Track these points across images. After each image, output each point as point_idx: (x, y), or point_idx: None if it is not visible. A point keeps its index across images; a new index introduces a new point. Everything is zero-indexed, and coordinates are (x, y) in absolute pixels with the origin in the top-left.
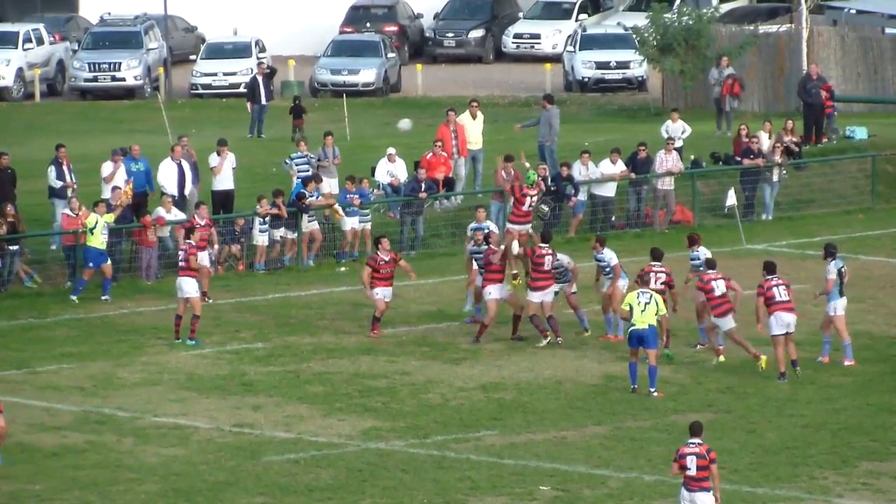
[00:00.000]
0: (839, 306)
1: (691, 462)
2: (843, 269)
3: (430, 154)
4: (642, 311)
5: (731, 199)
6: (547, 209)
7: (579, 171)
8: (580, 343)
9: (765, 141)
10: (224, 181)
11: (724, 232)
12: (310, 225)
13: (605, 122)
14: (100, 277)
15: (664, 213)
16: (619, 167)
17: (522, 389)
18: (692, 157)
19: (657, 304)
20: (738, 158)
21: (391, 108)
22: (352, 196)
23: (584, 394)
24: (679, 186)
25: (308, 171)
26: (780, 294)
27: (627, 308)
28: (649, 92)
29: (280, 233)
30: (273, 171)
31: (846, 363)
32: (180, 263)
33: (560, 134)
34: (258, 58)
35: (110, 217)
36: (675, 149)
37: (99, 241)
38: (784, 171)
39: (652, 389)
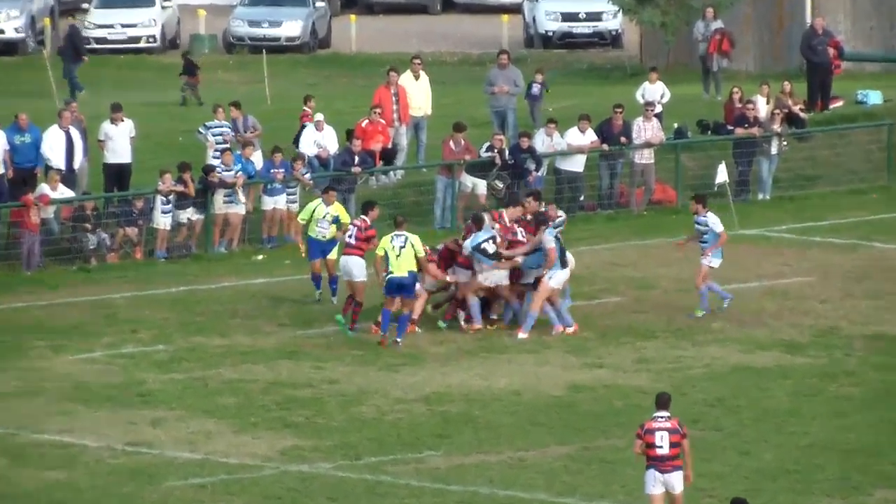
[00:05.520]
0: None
1: (662, 439)
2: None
3: (366, 121)
4: (398, 256)
5: (722, 175)
6: (502, 186)
7: (542, 141)
8: (541, 346)
9: (761, 106)
10: (119, 153)
11: (713, 213)
12: (226, 206)
13: (572, 85)
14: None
15: (642, 192)
16: (589, 137)
17: (473, 401)
18: (676, 125)
19: (414, 247)
20: (730, 127)
21: (319, 66)
22: (276, 171)
23: (547, 406)
24: (660, 160)
25: (226, 143)
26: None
27: (382, 254)
28: (625, 49)
29: (187, 214)
30: (179, 139)
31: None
32: (348, 240)
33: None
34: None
35: (339, 209)
36: (655, 115)
37: (315, 230)
38: (784, 143)
39: (398, 339)
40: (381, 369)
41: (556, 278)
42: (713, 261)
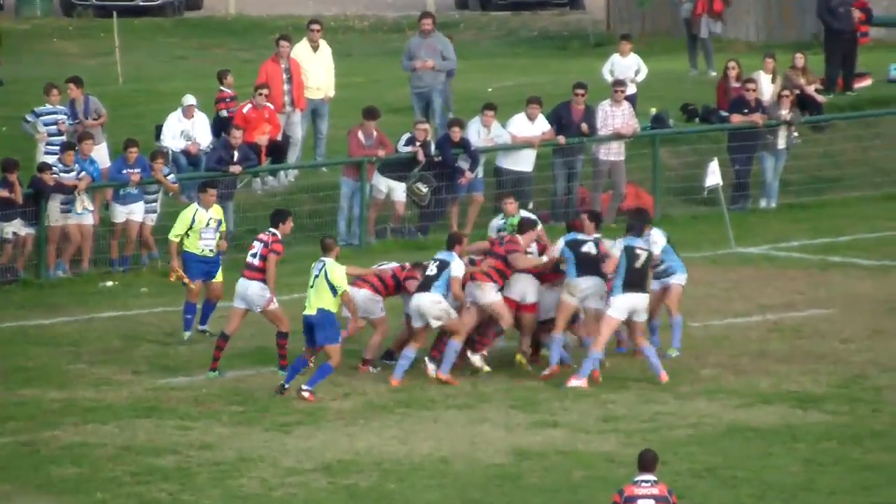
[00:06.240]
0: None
1: None
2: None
3: (249, 106)
4: (310, 286)
5: (714, 176)
6: (427, 190)
7: (478, 132)
8: (477, 399)
9: (765, 87)
10: None
11: (702, 226)
12: (64, 218)
13: (518, 58)
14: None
15: (609, 198)
16: (540, 126)
17: (387, 472)
18: (653, 110)
19: (328, 277)
20: (725, 113)
21: (187, 33)
22: (130, 172)
23: (484, 479)
24: (632, 156)
25: (61, 133)
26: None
27: None
28: (587, 11)
29: (13, 227)
30: (2, 130)
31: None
32: (251, 260)
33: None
34: None
35: (219, 211)
36: (627, 98)
37: (196, 245)
38: (795, 134)
39: (306, 388)
40: (267, 430)
41: (616, 306)
42: (681, 277)
